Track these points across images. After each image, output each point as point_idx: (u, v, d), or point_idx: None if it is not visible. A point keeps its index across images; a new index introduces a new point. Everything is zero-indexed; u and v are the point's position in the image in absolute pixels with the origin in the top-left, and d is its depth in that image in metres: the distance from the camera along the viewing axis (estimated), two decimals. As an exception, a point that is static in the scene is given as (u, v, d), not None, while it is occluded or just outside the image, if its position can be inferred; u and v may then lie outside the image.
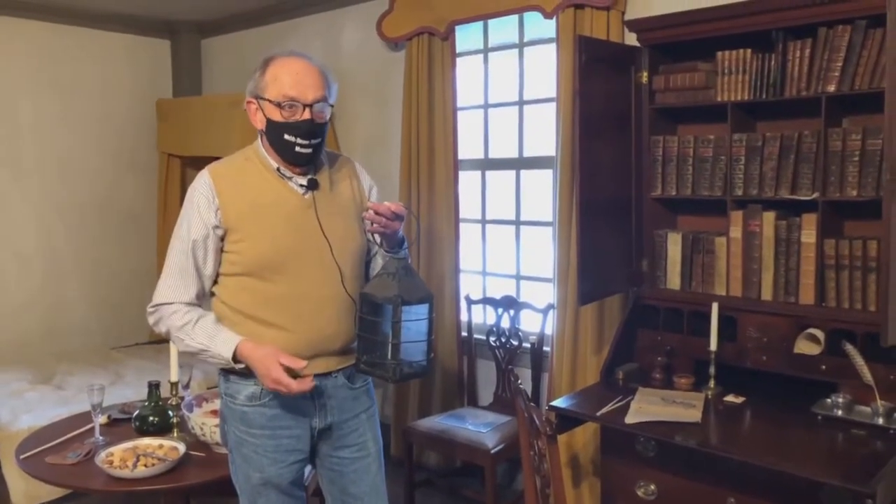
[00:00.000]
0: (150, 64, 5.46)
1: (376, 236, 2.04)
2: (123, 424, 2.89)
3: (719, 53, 2.76)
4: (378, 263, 2.15)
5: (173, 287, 1.99)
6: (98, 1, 4.79)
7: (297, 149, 1.97)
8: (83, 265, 5.13)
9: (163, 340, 4.79)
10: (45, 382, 4.26)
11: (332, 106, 2.03)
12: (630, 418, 2.50)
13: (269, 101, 1.96)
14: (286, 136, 1.96)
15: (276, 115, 1.96)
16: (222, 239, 2.00)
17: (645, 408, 2.57)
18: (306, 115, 1.95)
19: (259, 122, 2.01)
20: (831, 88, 2.52)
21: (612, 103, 2.92)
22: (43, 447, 2.66)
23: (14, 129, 4.78)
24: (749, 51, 2.69)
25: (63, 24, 4.95)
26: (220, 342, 1.95)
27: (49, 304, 4.99)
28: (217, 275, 2.04)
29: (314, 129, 1.97)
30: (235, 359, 1.94)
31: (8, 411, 3.71)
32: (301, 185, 2.04)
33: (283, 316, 1.99)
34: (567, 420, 2.75)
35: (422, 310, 1.90)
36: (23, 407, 3.77)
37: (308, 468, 2.22)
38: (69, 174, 5.03)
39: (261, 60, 2.03)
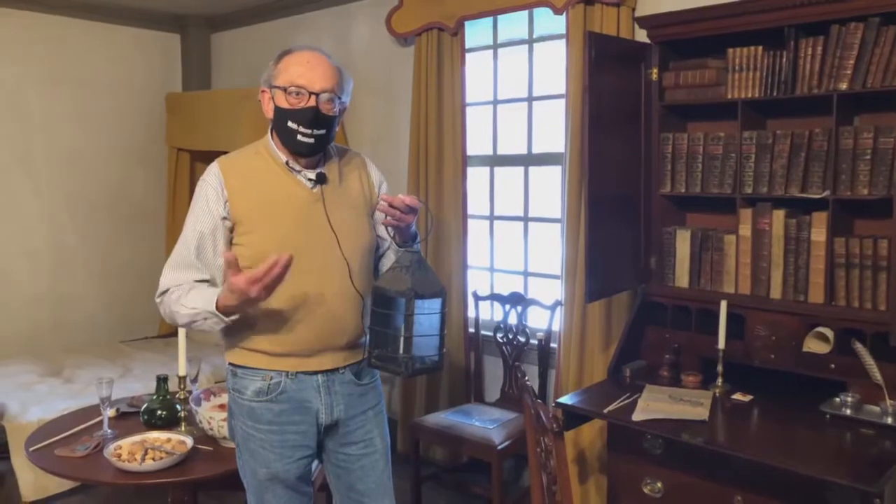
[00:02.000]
0: (160, 58, 5.47)
1: (389, 230, 2.03)
2: (132, 418, 2.89)
3: (730, 50, 2.74)
4: (389, 259, 2.15)
5: (174, 275, 1.99)
6: (108, -6, 4.82)
7: (299, 137, 1.97)
8: (92, 259, 5.15)
9: (171, 334, 4.82)
10: (55, 375, 4.28)
11: (342, 101, 2.02)
12: (637, 416, 2.49)
13: (279, 88, 1.97)
14: (289, 124, 1.97)
15: (283, 102, 1.97)
16: (231, 231, 2.01)
17: (652, 405, 2.56)
18: (311, 102, 1.95)
19: (269, 111, 2.03)
20: (843, 86, 2.51)
21: (622, 100, 2.91)
22: (52, 440, 2.67)
23: (24, 122, 4.79)
24: (760, 48, 2.67)
25: (73, 17, 4.96)
26: (209, 299, 1.91)
27: (58, 298, 5.01)
28: None
29: (318, 119, 1.96)
30: (220, 308, 1.88)
31: (17, 404, 3.72)
32: (310, 179, 2.04)
33: (289, 310, 1.98)
34: (574, 417, 2.75)
35: (435, 304, 1.88)
36: (32, 399, 3.79)
37: (315, 463, 2.22)
38: (78, 168, 5.04)
39: (278, 52, 2.04)
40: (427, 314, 1.86)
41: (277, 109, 1.99)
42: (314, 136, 1.98)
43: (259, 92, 2.04)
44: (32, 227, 4.88)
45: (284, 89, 1.96)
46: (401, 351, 1.85)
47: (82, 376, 4.20)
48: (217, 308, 1.89)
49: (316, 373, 2.03)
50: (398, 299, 1.85)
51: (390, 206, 1.92)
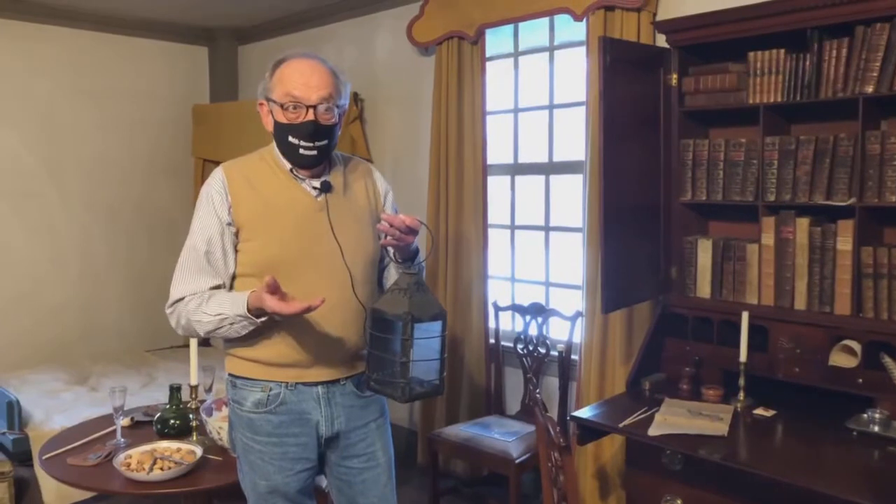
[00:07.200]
0: (188, 70, 5.55)
1: (389, 249, 1.99)
2: (146, 427, 2.90)
3: (751, 54, 2.67)
4: (392, 272, 2.11)
5: (188, 283, 1.96)
6: (138, 9, 4.88)
7: (301, 151, 1.94)
8: (119, 268, 5.22)
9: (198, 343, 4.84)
10: (81, 383, 4.33)
11: (340, 106, 1.99)
12: (653, 430, 2.42)
13: (275, 103, 1.94)
14: (290, 138, 1.94)
15: (282, 117, 1.94)
16: (236, 236, 1.99)
17: (669, 420, 2.48)
18: (310, 116, 1.92)
19: (269, 124, 2.00)
20: (869, 89, 2.42)
21: (640, 106, 2.84)
22: (65, 448, 2.69)
23: (54, 133, 4.88)
24: (782, 51, 2.59)
25: (103, 31, 5.06)
26: (236, 302, 1.89)
27: (85, 307, 5.08)
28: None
29: (318, 131, 1.93)
30: (251, 310, 1.86)
31: (42, 411, 3.77)
32: (314, 187, 2.01)
33: (289, 319, 1.94)
34: (591, 431, 2.68)
35: (434, 327, 1.82)
36: (57, 407, 3.84)
37: (322, 477, 2.19)
38: (107, 178, 5.12)
39: (272, 62, 2.01)
40: (426, 338, 1.80)
41: (277, 124, 1.96)
42: (316, 148, 1.95)
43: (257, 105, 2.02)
44: (61, 236, 4.96)
45: (282, 105, 1.93)
46: (399, 376, 1.79)
47: (107, 384, 4.21)
48: (248, 310, 1.86)
49: (316, 384, 2.00)
50: (396, 323, 1.80)
51: (390, 225, 1.87)
